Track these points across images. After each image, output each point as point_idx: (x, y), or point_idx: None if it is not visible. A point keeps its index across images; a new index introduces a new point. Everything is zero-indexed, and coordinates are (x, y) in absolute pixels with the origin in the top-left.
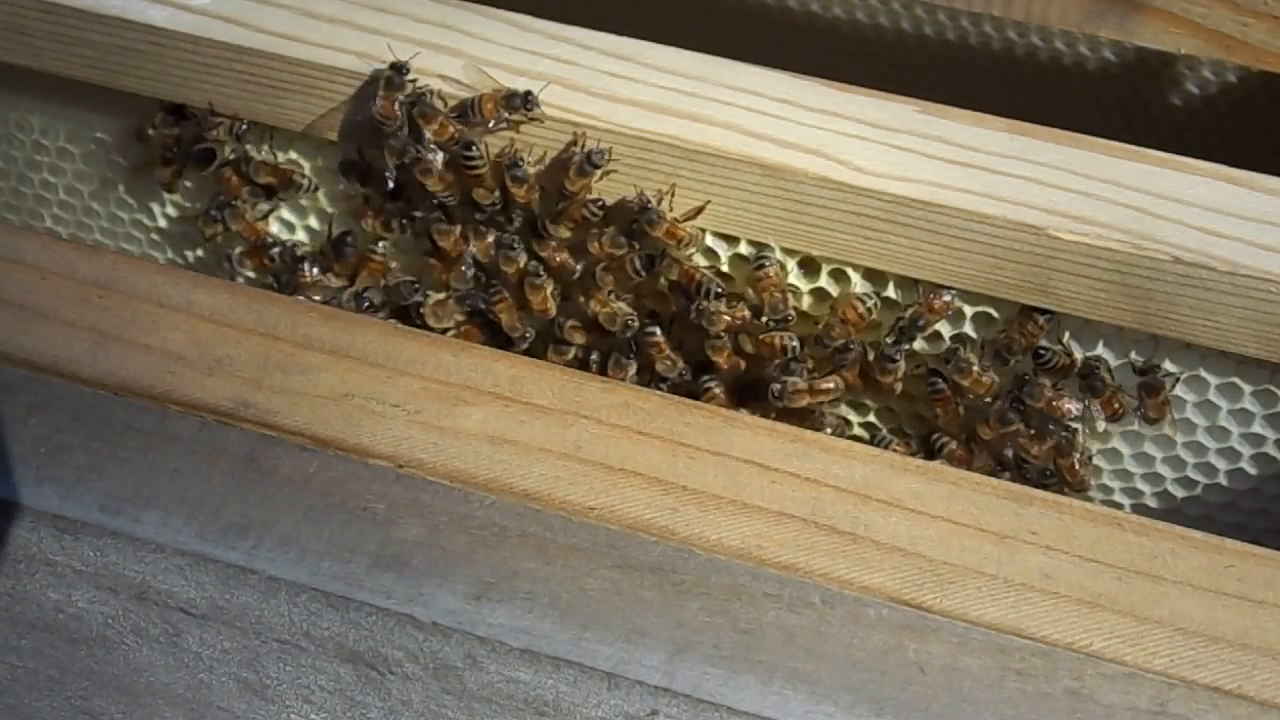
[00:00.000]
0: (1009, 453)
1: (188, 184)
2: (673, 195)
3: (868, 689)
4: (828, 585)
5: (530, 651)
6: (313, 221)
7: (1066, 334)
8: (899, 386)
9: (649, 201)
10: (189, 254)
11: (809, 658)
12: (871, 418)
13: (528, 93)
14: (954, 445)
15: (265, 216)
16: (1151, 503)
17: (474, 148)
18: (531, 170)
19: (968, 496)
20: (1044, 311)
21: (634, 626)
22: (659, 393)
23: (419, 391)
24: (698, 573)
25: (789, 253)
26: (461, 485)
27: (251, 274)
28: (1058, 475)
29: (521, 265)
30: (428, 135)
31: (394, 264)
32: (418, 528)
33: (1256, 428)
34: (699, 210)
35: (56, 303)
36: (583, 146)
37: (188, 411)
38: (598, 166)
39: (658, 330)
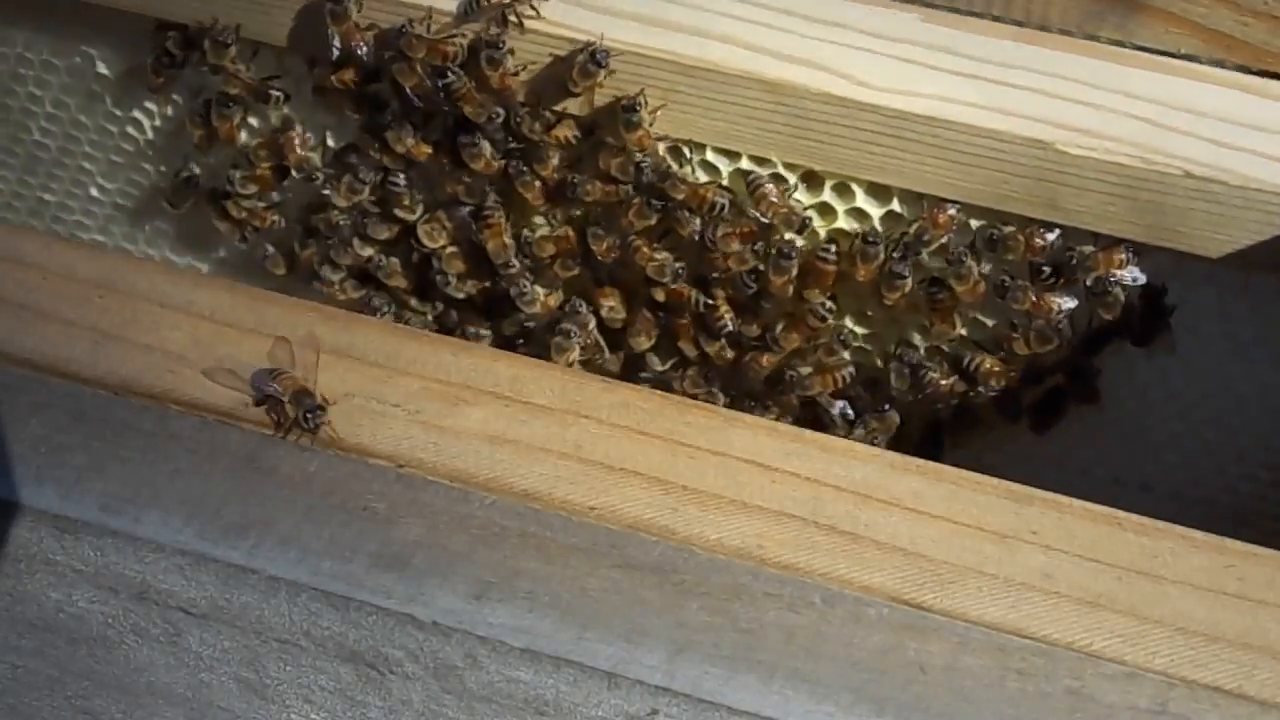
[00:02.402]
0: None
1: (175, 97)
2: (656, 109)
3: (868, 689)
4: (828, 585)
5: (530, 651)
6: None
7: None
8: (904, 304)
9: (637, 103)
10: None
11: (809, 657)
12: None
13: None
14: (988, 362)
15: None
16: None
17: (450, 74)
18: (510, 57)
19: (968, 496)
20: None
21: (634, 626)
22: (659, 393)
23: (419, 391)
24: (698, 573)
25: (790, 168)
26: (461, 485)
27: (253, 192)
28: None
29: (488, 156)
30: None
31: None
32: (418, 527)
33: None
34: (658, 109)
35: (56, 303)
36: (587, 48)
37: (188, 411)
38: (601, 66)
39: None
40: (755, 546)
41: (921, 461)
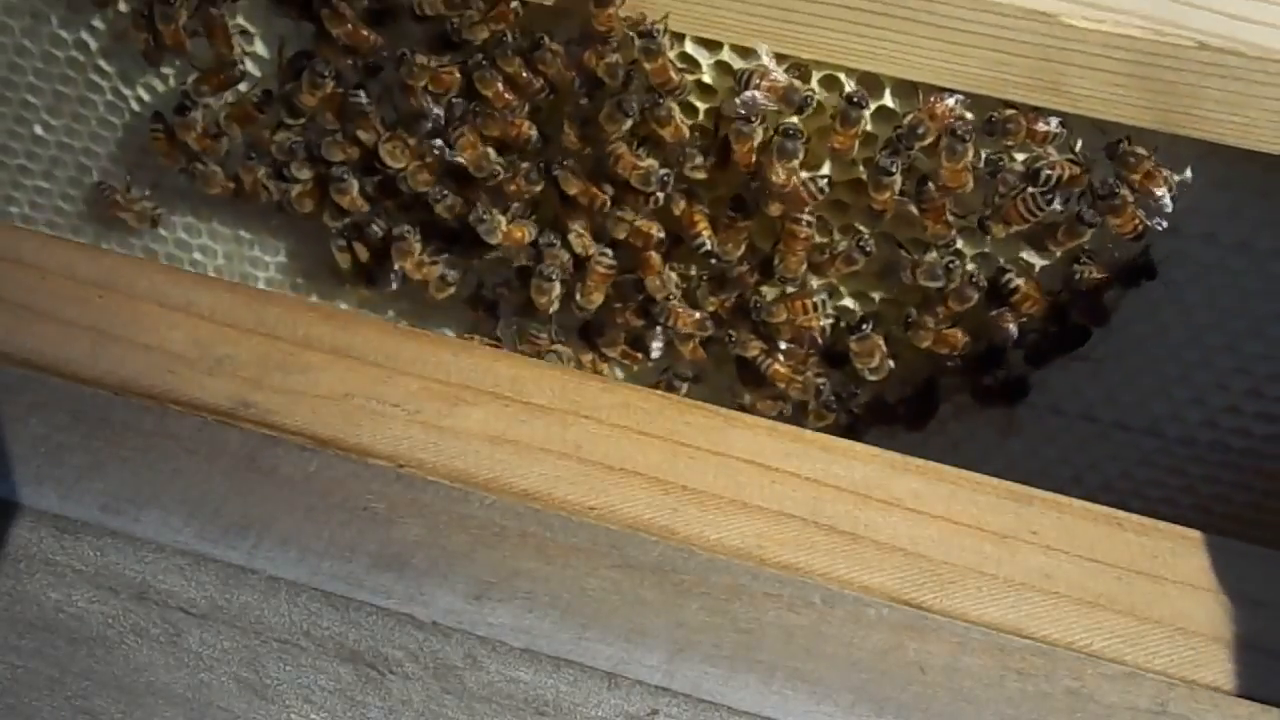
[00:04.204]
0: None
1: (122, 7)
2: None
3: (868, 689)
4: (828, 585)
5: (530, 651)
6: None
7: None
8: (893, 206)
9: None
10: (130, 93)
11: (809, 657)
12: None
13: None
14: (1021, 283)
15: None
16: None
17: None
18: None
19: (968, 496)
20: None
21: (634, 626)
22: (659, 393)
23: (419, 391)
24: (698, 572)
25: (777, 59)
26: (461, 485)
27: (210, 100)
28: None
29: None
30: None
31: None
32: (418, 527)
33: None
34: None
35: (56, 302)
36: None
37: (188, 411)
38: None
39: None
40: (755, 546)
41: (921, 461)
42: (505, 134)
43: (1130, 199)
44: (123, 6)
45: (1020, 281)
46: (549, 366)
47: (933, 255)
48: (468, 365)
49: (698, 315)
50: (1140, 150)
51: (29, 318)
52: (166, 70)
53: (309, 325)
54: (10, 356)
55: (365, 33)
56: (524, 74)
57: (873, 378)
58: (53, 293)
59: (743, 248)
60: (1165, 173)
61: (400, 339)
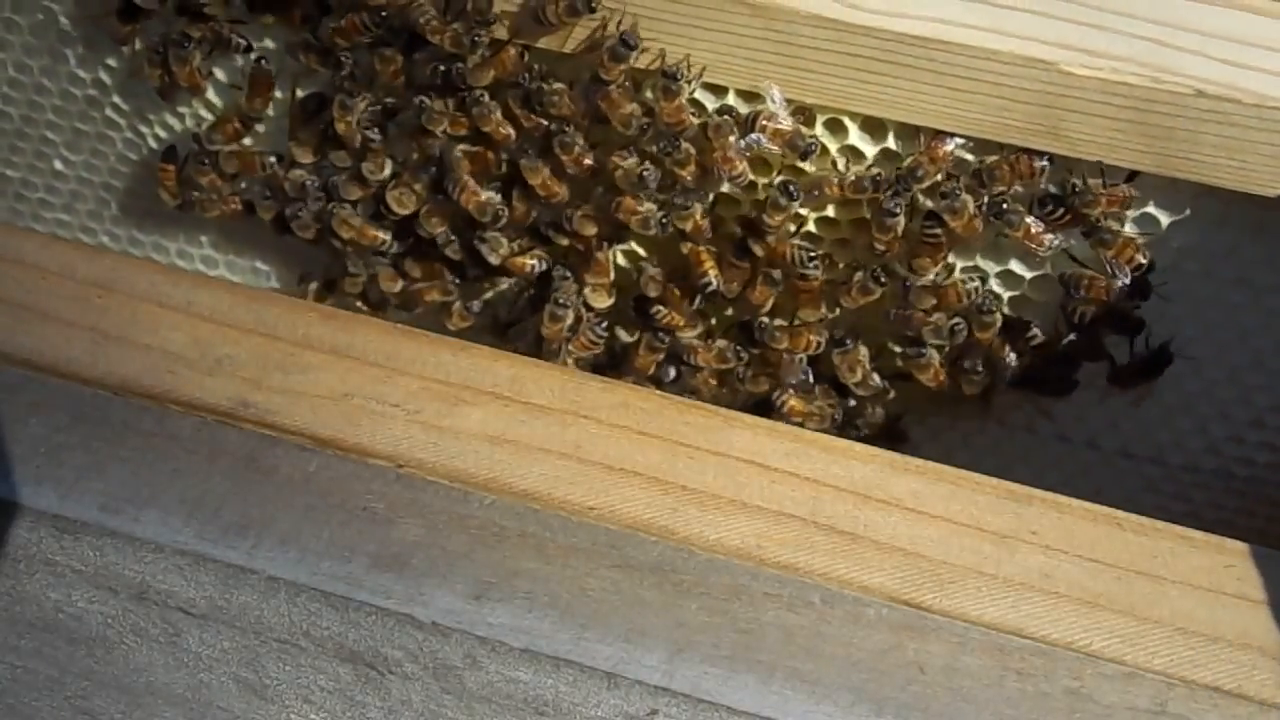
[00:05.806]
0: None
1: (140, 44)
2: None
3: (867, 689)
4: (828, 585)
5: (530, 651)
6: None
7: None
8: (895, 246)
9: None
10: (147, 131)
11: (809, 657)
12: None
13: None
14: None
15: (206, 71)
16: None
17: None
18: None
19: (968, 496)
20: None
21: (634, 626)
22: (659, 393)
23: (419, 391)
24: (697, 572)
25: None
26: (461, 485)
27: (223, 145)
28: None
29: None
30: None
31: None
32: (418, 528)
33: None
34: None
35: (56, 303)
36: (617, 26)
37: (188, 411)
38: (632, 49)
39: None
40: (755, 546)
41: (921, 461)
42: (476, 165)
43: (1120, 231)
44: (139, 44)
45: (1040, 332)
46: (549, 366)
47: (939, 316)
48: (468, 365)
49: (716, 349)
50: (1094, 184)
51: (29, 318)
52: (183, 109)
53: (309, 325)
54: (10, 356)
55: (404, 79)
56: (530, 117)
57: (861, 393)
58: (53, 293)
59: (745, 284)
60: (1124, 196)
61: (400, 339)
